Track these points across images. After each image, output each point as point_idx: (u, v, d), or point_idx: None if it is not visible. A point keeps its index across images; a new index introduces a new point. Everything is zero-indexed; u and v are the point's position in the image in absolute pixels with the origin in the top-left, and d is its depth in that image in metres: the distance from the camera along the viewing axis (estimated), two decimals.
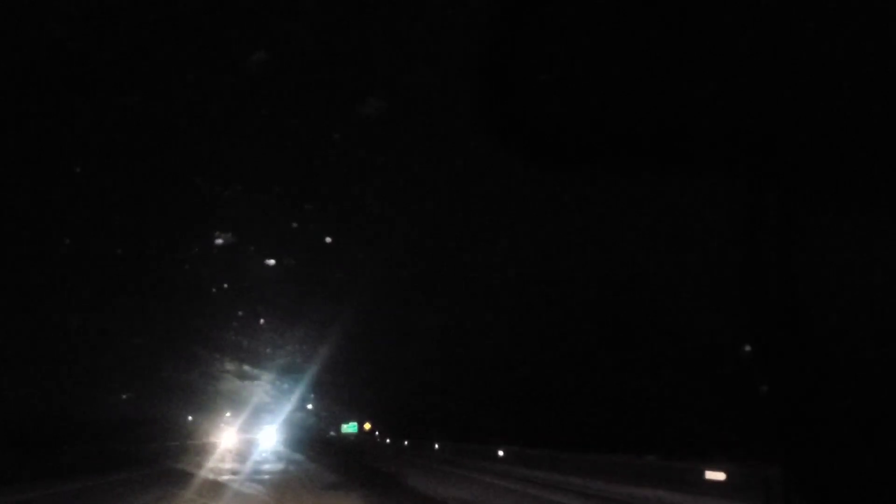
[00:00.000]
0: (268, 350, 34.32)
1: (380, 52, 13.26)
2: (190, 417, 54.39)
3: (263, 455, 46.84)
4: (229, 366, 37.32)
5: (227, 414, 64.69)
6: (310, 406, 62.87)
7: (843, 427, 4.88)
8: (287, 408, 58.01)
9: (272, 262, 22.21)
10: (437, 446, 45.32)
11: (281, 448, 58.48)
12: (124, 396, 39.63)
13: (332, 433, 71.93)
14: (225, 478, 24.54)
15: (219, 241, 20.45)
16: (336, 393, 53.30)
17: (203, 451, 46.86)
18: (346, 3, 12.82)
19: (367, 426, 66.46)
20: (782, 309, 5.18)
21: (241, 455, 45.63)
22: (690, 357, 16.09)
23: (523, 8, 7.53)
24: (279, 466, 32.72)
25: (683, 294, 15.99)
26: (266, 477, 25.12)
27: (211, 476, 25.41)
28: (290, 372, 39.83)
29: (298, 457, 43.71)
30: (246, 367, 38.13)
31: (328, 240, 20.65)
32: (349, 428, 69.03)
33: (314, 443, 60.73)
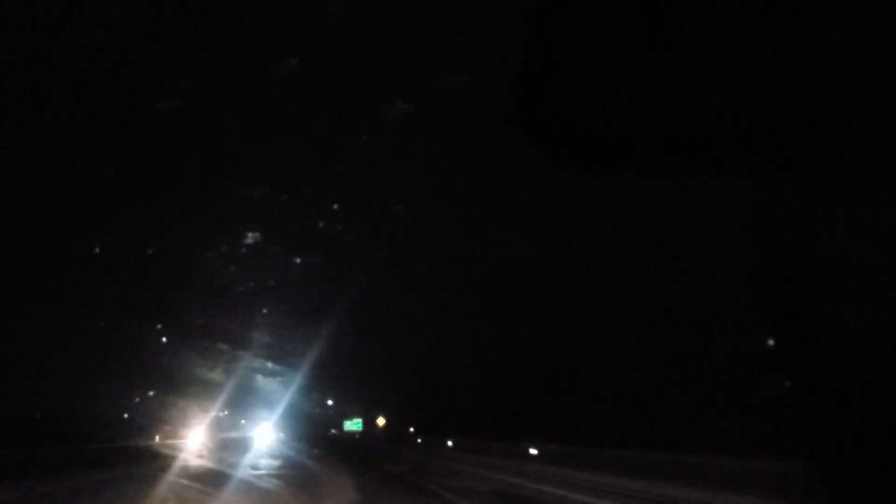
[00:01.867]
0: (288, 346, 34.59)
1: (407, 56, 13.52)
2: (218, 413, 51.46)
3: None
4: (254, 363, 37.67)
5: (225, 412, 60.86)
6: (329, 402, 60.47)
7: (867, 422, 5.02)
8: (285, 403, 53.46)
9: (298, 260, 22.55)
10: None
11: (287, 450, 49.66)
12: (137, 400, 39.78)
13: (333, 430, 65.34)
14: None
15: (246, 241, 20.83)
16: (344, 388, 51.84)
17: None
18: (375, 6, 13.08)
19: (381, 421, 56.71)
20: (803, 303, 5.34)
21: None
22: (711, 351, 16.23)
23: (551, 12, 7.76)
24: None
25: (703, 290, 16.14)
26: None
27: None
28: (292, 367, 39.53)
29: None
30: (269, 364, 38.45)
31: (352, 239, 20.95)
32: (353, 425, 61.25)
33: (315, 442, 54.51)
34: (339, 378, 46.52)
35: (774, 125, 6.58)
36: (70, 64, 15.06)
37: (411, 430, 52.39)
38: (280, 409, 56.04)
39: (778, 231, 5.94)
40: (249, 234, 20.42)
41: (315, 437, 58.48)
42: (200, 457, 35.94)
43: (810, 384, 5.41)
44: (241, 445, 48.98)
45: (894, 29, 5.48)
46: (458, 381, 35.42)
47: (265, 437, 57.68)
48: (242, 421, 65.34)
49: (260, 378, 45.96)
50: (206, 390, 44.16)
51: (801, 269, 5.43)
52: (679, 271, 17.28)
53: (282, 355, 36.71)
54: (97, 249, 20.90)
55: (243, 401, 56.06)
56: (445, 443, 38.54)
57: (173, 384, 40.27)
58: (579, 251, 19.62)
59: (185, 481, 21.87)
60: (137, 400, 41.16)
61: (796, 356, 5.57)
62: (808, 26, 6.13)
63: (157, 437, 40.73)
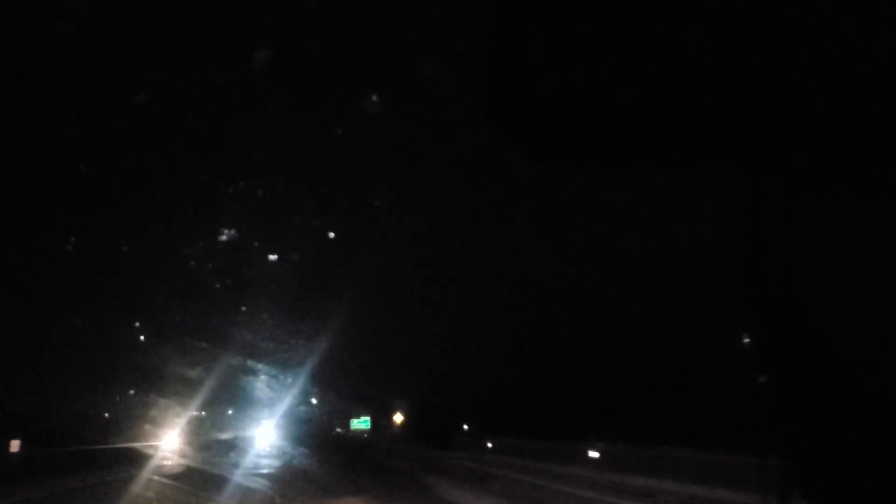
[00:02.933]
0: (270, 345, 34.33)
1: (383, 49, 13.35)
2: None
3: None
4: (233, 361, 37.32)
5: (230, 411, 59.57)
6: (313, 401, 59.38)
7: (844, 419, 4.94)
8: (286, 403, 50.36)
9: (275, 257, 22.31)
10: None
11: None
12: (116, 399, 39.17)
13: (338, 430, 62.63)
14: None
15: (223, 237, 20.56)
16: (342, 387, 50.48)
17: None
18: (350, 3, 12.91)
19: (399, 419, 48.69)
20: (781, 299, 5.26)
21: None
22: (689, 348, 16.16)
23: (527, 4, 7.60)
24: None
25: (681, 285, 16.09)
26: None
27: None
28: (290, 366, 39.07)
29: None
30: (249, 362, 38.12)
31: (331, 235, 20.73)
32: (360, 423, 59.28)
33: (324, 442, 48.24)
34: (344, 375, 45.02)
35: (762, 118, 6.51)
36: (39, 58, 14.80)
37: (465, 427, 37.53)
38: (281, 409, 52.42)
39: (764, 225, 5.82)
40: (226, 231, 20.15)
41: (319, 437, 54.74)
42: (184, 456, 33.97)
43: (788, 380, 5.29)
44: (232, 446, 43.81)
45: (889, 24, 5.37)
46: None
47: (266, 437, 53.28)
48: (240, 421, 63.69)
49: (257, 377, 45.21)
50: (189, 389, 42.88)
51: (785, 263, 5.32)
52: (659, 266, 17.22)
53: (272, 354, 36.33)
54: (69, 246, 20.58)
55: (242, 400, 54.89)
56: (585, 453, 21.28)
57: (153, 383, 39.56)
58: (559, 244, 19.55)
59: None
60: (119, 399, 40.07)
61: (776, 352, 5.39)
62: (801, 17, 6.03)
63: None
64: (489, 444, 29.71)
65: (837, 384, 4.85)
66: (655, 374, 19.33)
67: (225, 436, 54.51)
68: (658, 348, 18.88)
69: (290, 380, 44.03)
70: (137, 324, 28.71)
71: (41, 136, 17.14)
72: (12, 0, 13.61)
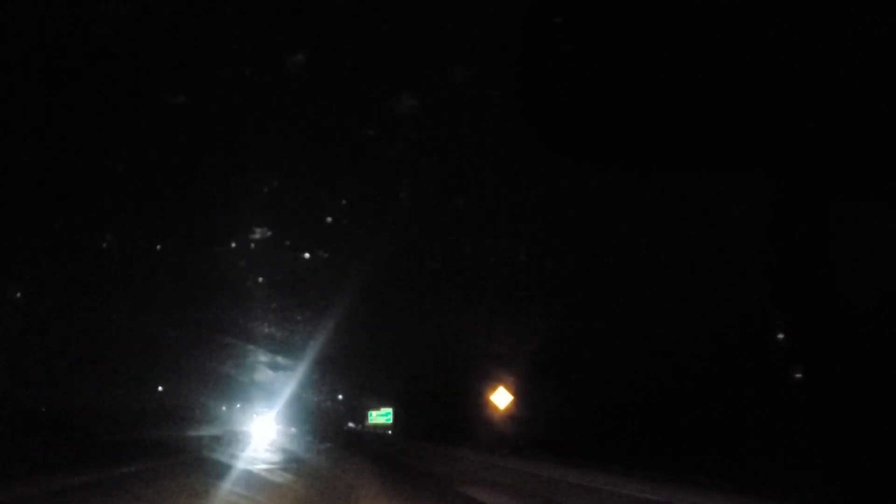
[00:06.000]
0: (297, 339, 34.44)
1: (414, 50, 13.48)
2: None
3: None
4: (263, 357, 37.59)
5: (238, 406, 57.83)
6: (340, 396, 58.02)
7: (881, 414, 4.97)
8: (290, 394, 46.88)
9: (307, 255, 22.53)
10: None
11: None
12: (161, 388, 39.71)
13: (350, 424, 58.38)
14: None
15: (255, 236, 20.81)
16: (357, 377, 47.59)
17: None
18: (381, 2, 13.05)
19: (505, 401, 26.97)
20: (816, 297, 5.29)
21: None
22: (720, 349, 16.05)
23: (558, 4, 7.70)
24: None
25: (716, 284, 16.02)
26: None
27: None
28: (295, 356, 38.33)
29: None
30: (279, 359, 38.30)
31: (359, 233, 20.91)
32: (381, 416, 52.55)
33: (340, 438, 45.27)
34: (359, 364, 43.72)
35: (792, 121, 6.49)
36: (78, 59, 15.09)
37: None
38: (285, 401, 48.97)
39: (795, 225, 5.87)
40: (258, 230, 20.42)
41: (327, 434, 49.39)
42: None
43: (824, 376, 5.38)
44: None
45: None
46: None
47: (267, 433, 49.88)
48: (245, 415, 61.65)
49: (259, 369, 44.37)
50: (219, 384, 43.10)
51: (819, 260, 5.37)
52: (692, 265, 17.13)
53: (292, 348, 36.37)
54: (105, 245, 20.96)
55: (249, 394, 53.99)
56: None
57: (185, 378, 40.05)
58: (590, 246, 19.50)
59: None
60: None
61: (812, 349, 5.51)
62: (831, 21, 6.04)
63: None
64: None
65: (873, 379, 4.93)
66: (684, 377, 19.24)
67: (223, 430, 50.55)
68: (686, 348, 18.81)
69: (289, 373, 42.51)
70: (170, 320, 29.08)
71: (79, 137, 17.48)
72: (50, 1, 13.91)
